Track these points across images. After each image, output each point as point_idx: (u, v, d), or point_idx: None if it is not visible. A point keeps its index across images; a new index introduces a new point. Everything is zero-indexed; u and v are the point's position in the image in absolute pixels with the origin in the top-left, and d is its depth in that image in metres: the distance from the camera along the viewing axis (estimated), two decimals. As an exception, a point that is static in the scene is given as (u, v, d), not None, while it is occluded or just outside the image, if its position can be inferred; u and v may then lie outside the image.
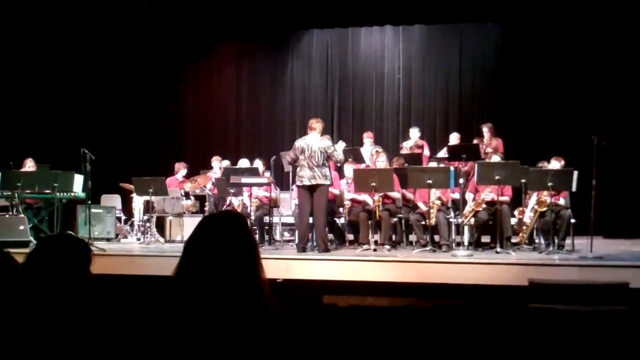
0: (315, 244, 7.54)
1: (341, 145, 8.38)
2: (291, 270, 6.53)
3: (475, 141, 9.05)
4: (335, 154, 7.45)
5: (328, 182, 7.38)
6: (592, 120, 9.90)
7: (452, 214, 7.75)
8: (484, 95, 11.37)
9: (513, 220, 7.84)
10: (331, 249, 7.55)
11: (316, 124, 7.48)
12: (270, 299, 1.95)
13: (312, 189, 7.30)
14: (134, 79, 12.20)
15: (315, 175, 7.24)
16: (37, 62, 11.46)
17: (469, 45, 11.54)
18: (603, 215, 9.25)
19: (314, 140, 7.37)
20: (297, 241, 7.57)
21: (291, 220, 8.94)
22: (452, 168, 7.86)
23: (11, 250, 2.51)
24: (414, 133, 10.05)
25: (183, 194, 9.71)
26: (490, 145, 9.07)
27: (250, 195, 8.46)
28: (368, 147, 9.32)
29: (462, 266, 6.42)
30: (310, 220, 7.48)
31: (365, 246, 7.57)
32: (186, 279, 1.93)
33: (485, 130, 9.30)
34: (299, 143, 7.45)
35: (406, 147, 9.98)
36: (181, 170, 10.20)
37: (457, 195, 7.85)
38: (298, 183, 7.42)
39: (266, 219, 8.51)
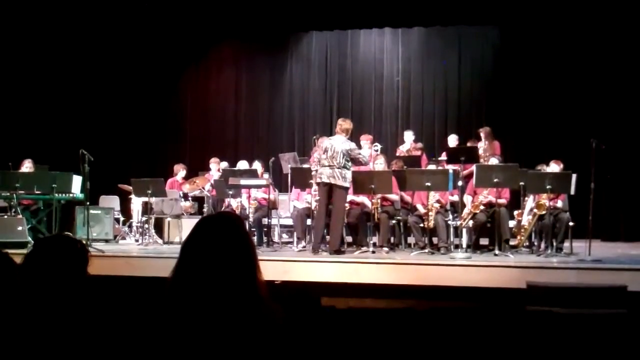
0: (327, 245, 7.52)
1: (366, 150, 8.53)
2: (290, 272, 6.53)
3: (469, 144, 9.05)
4: (360, 157, 7.50)
5: (346, 185, 7.37)
6: (591, 123, 9.91)
7: (450, 217, 7.75)
8: (482, 97, 11.37)
9: (511, 223, 7.84)
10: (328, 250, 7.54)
11: (345, 126, 7.53)
12: (268, 301, 1.95)
13: (330, 189, 7.32)
14: (133, 80, 12.20)
15: (335, 174, 7.27)
16: (36, 63, 11.45)
17: (468, 47, 11.55)
18: (601, 218, 9.24)
19: (339, 141, 7.43)
20: (312, 242, 7.56)
21: (290, 222, 8.93)
22: (450, 170, 7.87)
23: (9, 251, 2.50)
24: (408, 136, 10.02)
25: (181, 195, 9.71)
26: (486, 149, 9.04)
27: (248, 197, 8.46)
28: (366, 150, 9.30)
29: (460, 268, 6.42)
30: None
31: (364, 248, 7.57)
32: (183, 280, 1.93)
33: (482, 135, 9.29)
34: (325, 143, 7.58)
35: (403, 151, 9.92)
36: (180, 171, 10.19)
37: (455, 198, 7.85)
38: (317, 180, 7.49)
39: (265, 220, 8.51)
